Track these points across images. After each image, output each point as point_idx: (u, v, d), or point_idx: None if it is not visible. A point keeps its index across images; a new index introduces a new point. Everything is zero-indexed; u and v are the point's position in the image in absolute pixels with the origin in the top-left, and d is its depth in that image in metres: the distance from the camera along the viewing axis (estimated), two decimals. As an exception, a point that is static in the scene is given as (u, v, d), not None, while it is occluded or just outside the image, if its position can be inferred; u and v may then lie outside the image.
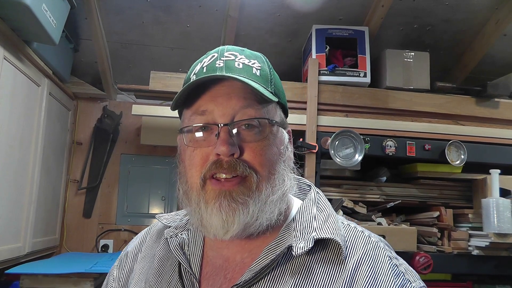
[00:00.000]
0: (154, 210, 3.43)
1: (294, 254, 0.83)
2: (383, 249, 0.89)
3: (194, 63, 0.97)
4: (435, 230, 2.52)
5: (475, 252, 2.46)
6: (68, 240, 3.29)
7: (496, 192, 2.44)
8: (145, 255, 1.05)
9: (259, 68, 0.91)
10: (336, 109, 2.69)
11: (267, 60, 0.97)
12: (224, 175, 0.85)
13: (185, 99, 0.91)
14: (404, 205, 2.65)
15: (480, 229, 2.47)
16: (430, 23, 2.99)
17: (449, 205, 2.64)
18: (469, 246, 2.49)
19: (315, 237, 0.86)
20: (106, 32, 2.91)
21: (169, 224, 1.04)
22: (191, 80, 0.88)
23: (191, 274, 0.91)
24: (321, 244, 0.87)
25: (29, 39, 2.36)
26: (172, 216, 1.09)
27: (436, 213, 2.56)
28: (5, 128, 2.20)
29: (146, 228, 1.15)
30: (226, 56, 0.91)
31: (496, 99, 2.83)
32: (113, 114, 3.40)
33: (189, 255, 0.96)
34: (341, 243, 0.85)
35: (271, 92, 0.90)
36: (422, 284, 0.86)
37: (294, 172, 0.97)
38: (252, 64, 0.91)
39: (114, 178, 3.42)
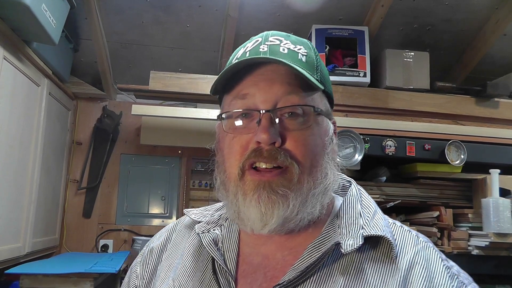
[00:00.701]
0: (154, 210, 3.43)
1: (343, 252, 0.79)
2: (434, 250, 0.85)
3: (237, 48, 0.92)
4: (435, 230, 2.52)
5: (475, 252, 2.46)
6: (68, 240, 3.29)
7: (496, 192, 2.43)
8: (171, 252, 0.99)
9: (305, 54, 0.86)
10: (336, 109, 2.68)
11: (314, 47, 0.91)
12: (264, 165, 0.80)
13: (226, 84, 0.86)
14: (404, 205, 2.64)
15: (480, 229, 2.46)
16: (430, 23, 2.99)
17: (449, 205, 2.63)
18: (469, 246, 2.49)
19: (364, 234, 0.81)
20: (106, 32, 2.91)
21: (199, 219, 0.99)
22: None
23: (226, 271, 0.85)
24: (369, 242, 0.82)
25: (29, 39, 2.35)
26: (201, 211, 1.03)
27: (436, 213, 2.55)
28: (5, 128, 2.20)
29: (171, 224, 1.09)
30: (271, 41, 0.86)
31: (496, 99, 2.83)
32: (113, 114, 3.40)
33: (223, 251, 0.91)
34: (392, 241, 0.81)
35: (317, 80, 0.84)
36: (476, 286, 0.84)
37: (338, 166, 0.91)
38: (298, 49, 0.86)
39: (114, 178, 3.42)
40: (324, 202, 0.84)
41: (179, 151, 3.48)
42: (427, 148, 2.53)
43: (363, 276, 0.79)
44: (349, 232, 0.82)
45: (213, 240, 0.90)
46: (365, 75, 2.73)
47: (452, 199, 2.68)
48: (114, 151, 3.44)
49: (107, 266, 2.38)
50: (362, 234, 0.81)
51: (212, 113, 2.84)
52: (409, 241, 0.85)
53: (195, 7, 2.80)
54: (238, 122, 0.84)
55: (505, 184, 2.55)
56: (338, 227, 0.85)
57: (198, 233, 0.93)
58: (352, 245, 0.79)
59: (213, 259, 0.88)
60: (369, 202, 0.93)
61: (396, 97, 2.74)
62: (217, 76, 0.84)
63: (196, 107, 3.15)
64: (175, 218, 3.42)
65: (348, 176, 1.00)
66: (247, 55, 0.85)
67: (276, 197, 0.79)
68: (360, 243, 0.79)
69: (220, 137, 0.89)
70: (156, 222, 3.42)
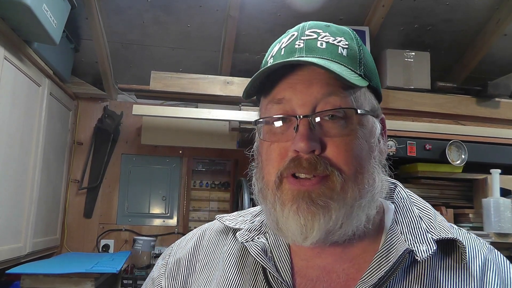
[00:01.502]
0: (155, 210, 3.43)
1: (418, 259, 0.72)
2: (498, 252, 0.81)
3: (273, 43, 0.84)
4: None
5: (476, 251, 2.46)
6: (69, 240, 3.29)
7: (496, 192, 2.43)
8: (207, 263, 0.89)
9: (346, 46, 0.77)
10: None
11: (357, 36, 0.82)
12: (303, 175, 0.73)
13: (262, 86, 0.79)
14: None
15: (481, 229, 2.46)
16: (431, 23, 2.99)
17: (450, 205, 2.64)
18: (470, 246, 2.49)
19: (434, 238, 0.75)
20: (107, 32, 2.91)
21: (237, 226, 0.90)
22: (268, 64, 0.77)
23: (282, 283, 0.77)
24: (438, 247, 0.75)
25: (29, 39, 2.35)
26: (235, 217, 0.95)
27: (437, 213, 2.55)
28: (6, 128, 2.20)
29: (196, 231, 0.99)
30: (307, 35, 0.78)
31: (496, 99, 2.84)
32: (114, 114, 3.40)
33: (273, 262, 0.82)
34: (464, 245, 0.75)
35: (360, 75, 0.76)
36: None
37: (386, 170, 0.82)
38: (338, 42, 0.77)
39: (115, 178, 3.42)
40: (370, 214, 0.77)
41: (180, 151, 3.48)
42: (428, 148, 2.53)
43: (439, 286, 0.73)
44: (416, 237, 0.76)
45: (261, 249, 0.81)
46: (365, 75, 2.73)
47: (453, 199, 2.68)
48: (115, 151, 3.44)
49: (108, 266, 2.38)
50: (432, 238, 0.75)
51: (213, 113, 2.84)
52: (474, 244, 0.80)
53: (196, 7, 2.80)
54: (275, 128, 0.77)
55: (506, 184, 2.55)
56: (401, 233, 0.78)
57: (242, 242, 0.84)
58: (426, 251, 0.73)
59: (264, 271, 0.80)
60: (424, 204, 0.86)
61: (396, 97, 2.74)
62: (250, 80, 0.77)
63: (197, 107, 3.15)
64: (176, 218, 3.43)
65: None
66: (282, 52, 0.78)
67: (316, 209, 0.72)
68: (435, 248, 0.73)
69: (259, 142, 0.83)
70: (157, 222, 3.42)
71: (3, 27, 2.09)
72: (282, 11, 2.85)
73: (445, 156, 2.50)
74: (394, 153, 2.51)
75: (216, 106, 2.96)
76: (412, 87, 2.79)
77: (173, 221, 3.43)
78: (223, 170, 3.57)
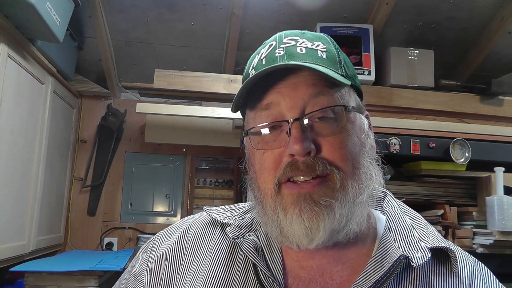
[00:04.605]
0: (159, 208, 3.43)
1: (414, 265, 0.73)
2: (481, 263, 0.84)
3: (252, 56, 0.85)
4: (439, 228, 2.51)
5: (480, 250, 2.45)
6: (73, 238, 3.30)
7: (500, 190, 2.43)
8: (193, 259, 0.88)
9: (325, 50, 0.79)
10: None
11: (333, 40, 0.84)
12: (302, 178, 0.73)
13: (247, 98, 0.80)
14: (409, 203, 2.61)
15: (485, 227, 2.46)
16: (435, 20, 2.98)
17: (454, 203, 2.63)
18: (474, 244, 2.48)
19: (428, 246, 0.76)
20: (110, 30, 2.91)
21: (226, 221, 0.89)
22: (250, 76, 0.77)
23: (274, 281, 0.76)
24: (431, 255, 0.77)
25: (33, 37, 2.36)
26: (223, 211, 0.94)
27: (441, 211, 2.55)
28: (10, 126, 2.21)
29: (180, 224, 0.98)
30: (286, 43, 0.80)
31: (500, 97, 2.83)
32: (118, 112, 3.41)
33: (264, 261, 0.81)
34: (456, 253, 0.77)
35: (342, 75, 0.78)
36: None
37: (378, 164, 0.83)
38: (316, 47, 0.79)
39: (119, 176, 3.43)
40: (370, 210, 0.79)
41: (184, 149, 3.49)
42: (431, 146, 2.52)
43: None
44: (410, 245, 0.78)
45: (253, 247, 0.81)
46: (369, 73, 2.73)
47: (456, 197, 2.67)
48: (118, 149, 3.45)
49: (112, 264, 2.38)
50: (426, 246, 0.77)
51: (217, 111, 2.85)
52: (462, 255, 0.83)
53: (200, 5, 2.80)
54: (267, 136, 0.78)
55: (510, 182, 2.54)
56: (394, 240, 0.80)
57: (233, 238, 0.83)
58: (422, 257, 0.74)
59: (255, 269, 0.79)
60: (415, 214, 0.89)
61: (400, 95, 2.74)
62: (236, 93, 0.78)
63: (200, 105, 3.15)
64: (179, 216, 3.43)
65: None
66: (263, 62, 0.79)
67: (319, 209, 0.72)
68: (429, 255, 0.74)
69: (250, 153, 0.83)
70: (160, 220, 3.43)
71: (7, 25, 2.09)
72: (286, 9, 2.84)
73: (448, 154, 2.49)
74: (398, 151, 2.51)
75: (219, 104, 2.96)
76: (416, 85, 2.78)
77: (176, 219, 3.43)
78: (227, 168, 3.57)
